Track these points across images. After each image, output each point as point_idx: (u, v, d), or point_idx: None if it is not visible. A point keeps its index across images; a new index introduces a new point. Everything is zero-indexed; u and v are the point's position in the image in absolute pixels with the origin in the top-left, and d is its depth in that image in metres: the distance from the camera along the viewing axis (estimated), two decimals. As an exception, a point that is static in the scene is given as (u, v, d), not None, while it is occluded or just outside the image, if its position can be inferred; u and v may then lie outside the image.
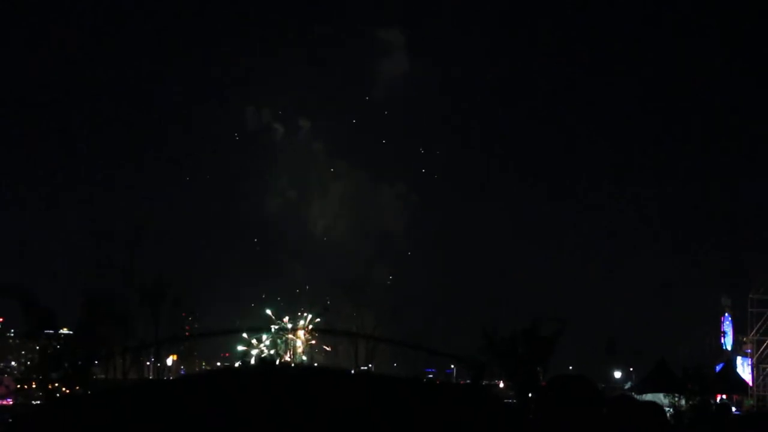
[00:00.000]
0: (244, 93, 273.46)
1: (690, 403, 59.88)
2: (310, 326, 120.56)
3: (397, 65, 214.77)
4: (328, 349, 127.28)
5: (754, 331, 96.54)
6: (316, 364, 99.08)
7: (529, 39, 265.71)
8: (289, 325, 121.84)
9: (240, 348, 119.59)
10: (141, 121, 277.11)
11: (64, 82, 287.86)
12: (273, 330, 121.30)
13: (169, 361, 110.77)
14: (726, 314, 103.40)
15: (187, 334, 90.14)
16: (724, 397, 71.77)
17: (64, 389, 56.89)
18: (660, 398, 60.84)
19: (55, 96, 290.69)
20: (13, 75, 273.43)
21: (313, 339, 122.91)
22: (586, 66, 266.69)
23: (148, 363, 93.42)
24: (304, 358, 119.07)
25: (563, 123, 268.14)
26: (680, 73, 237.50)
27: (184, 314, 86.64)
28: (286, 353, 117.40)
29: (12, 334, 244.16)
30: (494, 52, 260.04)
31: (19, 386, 76.09)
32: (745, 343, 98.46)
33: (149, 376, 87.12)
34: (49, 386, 60.32)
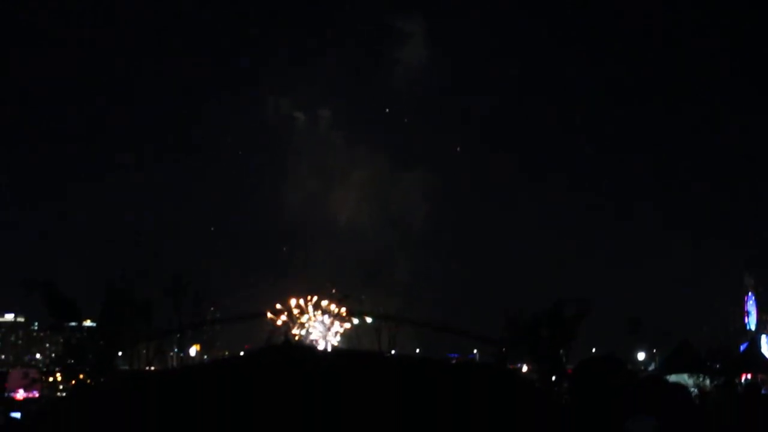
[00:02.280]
0: (264, 83, 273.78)
1: (715, 383, 59.65)
2: (333, 309, 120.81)
3: (416, 52, 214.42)
4: (346, 327, 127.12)
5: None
6: (339, 348, 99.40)
7: (551, 23, 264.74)
8: (311, 310, 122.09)
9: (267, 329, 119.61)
10: (159, 112, 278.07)
11: (88, 72, 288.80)
12: (295, 314, 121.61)
13: (193, 351, 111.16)
14: (750, 293, 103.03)
15: (209, 320, 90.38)
16: (748, 376, 71.48)
17: (88, 381, 57.09)
18: (684, 379, 60.68)
19: (78, 87, 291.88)
20: (44, 63, 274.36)
21: (334, 323, 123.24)
22: (609, 52, 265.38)
23: (171, 353, 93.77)
24: (328, 341, 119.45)
25: (585, 107, 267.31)
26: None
27: (205, 305, 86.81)
28: (308, 337, 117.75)
29: (36, 328, 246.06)
30: (515, 37, 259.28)
31: (44, 378, 76.45)
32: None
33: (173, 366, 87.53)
34: (74, 378, 60.57)
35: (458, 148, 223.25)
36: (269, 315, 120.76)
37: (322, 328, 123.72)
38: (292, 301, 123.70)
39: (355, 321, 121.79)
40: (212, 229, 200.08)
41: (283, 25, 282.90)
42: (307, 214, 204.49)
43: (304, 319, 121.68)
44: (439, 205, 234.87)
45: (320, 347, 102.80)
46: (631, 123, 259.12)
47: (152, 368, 67.80)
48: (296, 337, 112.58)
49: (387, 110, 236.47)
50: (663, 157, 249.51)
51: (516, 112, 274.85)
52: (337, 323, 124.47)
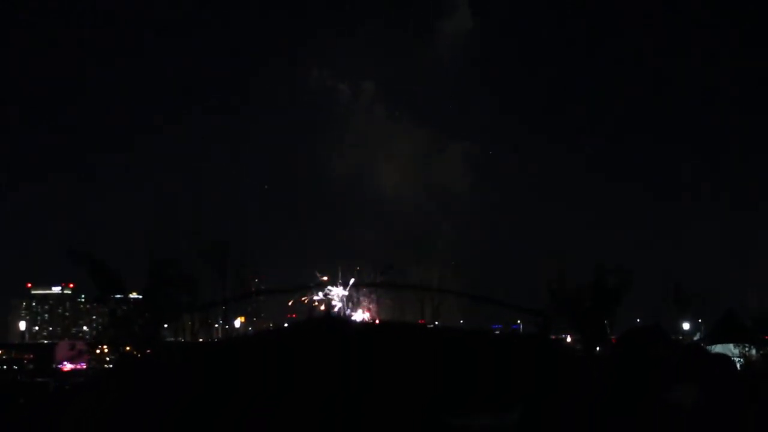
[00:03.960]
0: (309, 56, 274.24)
1: (761, 352, 59.17)
2: (378, 281, 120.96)
3: (460, 24, 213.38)
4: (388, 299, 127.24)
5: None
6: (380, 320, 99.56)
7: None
8: (353, 281, 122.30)
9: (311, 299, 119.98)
10: (204, 85, 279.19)
11: (127, 50, 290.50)
12: (338, 286, 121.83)
13: (237, 323, 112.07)
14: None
15: (252, 291, 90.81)
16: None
17: (134, 353, 57.72)
18: (730, 349, 60.22)
19: (119, 67, 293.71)
20: (80, 52, 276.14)
21: (377, 296, 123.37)
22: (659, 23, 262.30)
23: (216, 325, 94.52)
24: (370, 313, 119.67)
25: (627, 77, 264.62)
26: None
27: (250, 276, 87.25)
28: (350, 309, 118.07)
29: (82, 300, 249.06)
30: (562, 7, 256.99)
31: (91, 350, 77.21)
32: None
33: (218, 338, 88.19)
34: (120, 350, 61.24)
35: (502, 122, 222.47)
36: (318, 281, 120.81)
37: (364, 299, 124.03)
38: (335, 273, 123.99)
39: (398, 293, 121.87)
40: (266, 187, 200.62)
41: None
42: (353, 185, 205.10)
43: (346, 290, 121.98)
44: (482, 177, 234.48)
45: (362, 319, 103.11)
46: (673, 94, 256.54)
47: (198, 340, 68.40)
48: (337, 309, 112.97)
49: (426, 83, 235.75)
50: (708, 127, 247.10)
51: (559, 83, 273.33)
52: (379, 295, 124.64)
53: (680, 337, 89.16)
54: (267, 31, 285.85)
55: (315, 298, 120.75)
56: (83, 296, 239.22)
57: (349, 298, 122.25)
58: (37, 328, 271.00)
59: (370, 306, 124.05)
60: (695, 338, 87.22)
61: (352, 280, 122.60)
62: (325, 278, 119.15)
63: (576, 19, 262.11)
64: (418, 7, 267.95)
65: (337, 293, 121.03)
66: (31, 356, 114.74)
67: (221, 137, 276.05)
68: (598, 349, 59.95)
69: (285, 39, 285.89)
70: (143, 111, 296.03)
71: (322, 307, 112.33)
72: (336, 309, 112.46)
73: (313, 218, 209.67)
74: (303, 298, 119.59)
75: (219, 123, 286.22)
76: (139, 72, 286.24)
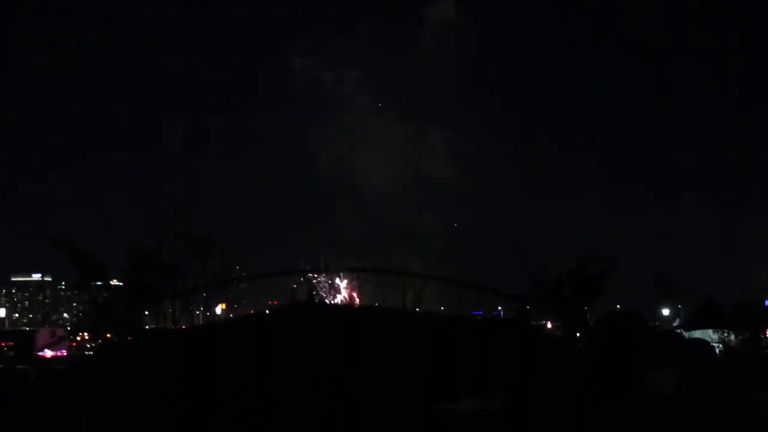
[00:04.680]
0: (293, 45, 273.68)
1: (740, 338, 59.49)
2: (357, 268, 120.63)
3: (445, 13, 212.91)
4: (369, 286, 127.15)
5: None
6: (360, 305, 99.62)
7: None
8: (336, 268, 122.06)
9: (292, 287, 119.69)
10: (187, 74, 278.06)
11: (112, 39, 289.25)
12: (320, 273, 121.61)
13: (218, 310, 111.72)
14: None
15: (234, 278, 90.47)
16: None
17: (115, 339, 57.60)
18: (709, 335, 60.52)
19: (107, 52, 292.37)
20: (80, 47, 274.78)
21: (357, 282, 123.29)
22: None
23: (197, 312, 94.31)
24: (352, 299, 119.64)
25: (610, 67, 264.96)
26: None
27: (231, 264, 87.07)
28: (333, 295, 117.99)
29: (63, 287, 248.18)
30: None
31: (71, 337, 77.24)
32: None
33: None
34: (101, 337, 61.14)
35: (485, 110, 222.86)
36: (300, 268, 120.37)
37: (346, 285, 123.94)
38: (317, 260, 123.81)
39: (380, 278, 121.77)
40: (243, 191, 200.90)
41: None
42: (337, 174, 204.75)
43: (328, 276, 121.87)
44: (466, 165, 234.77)
45: (343, 304, 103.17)
46: (657, 85, 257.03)
47: (178, 326, 68.32)
48: (319, 295, 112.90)
49: (411, 73, 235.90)
50: (690, 118, 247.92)
51: (545, 73, 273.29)
52: (361, 281, 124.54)
53: (656, 323, 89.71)
54: (249, 20, 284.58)
55: (295, 286, 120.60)
56: (63, 283, 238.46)
57: (331, 284, 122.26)
58: (17, 315, 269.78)
59: (352, 292, 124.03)
60: (674, 324, 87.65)
61: (334, 267, 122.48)
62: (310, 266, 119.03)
63: (562, 8, 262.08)
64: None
65: (320, 279, 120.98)
66: (12, 343, 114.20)
67: (205, 129, 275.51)
68: (578, 335, 60.24)
69: (268, 29, 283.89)
70: (125, 103, 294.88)
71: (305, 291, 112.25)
72: (318, 295, 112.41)
73: (298, 207, 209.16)
74: (294, 285, 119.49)
75: (204, 115, 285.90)
76: (122, 66, 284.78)
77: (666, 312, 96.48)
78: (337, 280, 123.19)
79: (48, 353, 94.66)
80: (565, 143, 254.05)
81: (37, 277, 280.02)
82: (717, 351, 47.07)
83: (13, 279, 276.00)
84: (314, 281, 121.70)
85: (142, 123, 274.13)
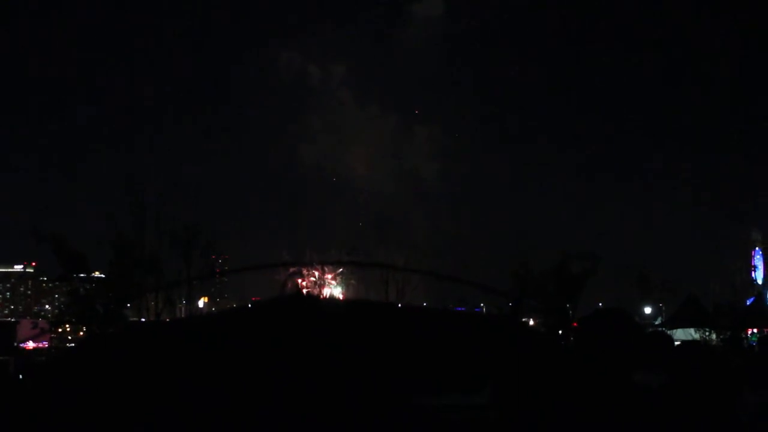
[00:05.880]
0: (279, 39, 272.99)
1: (721, 337, 59.78)
2: (341, 261, 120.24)
3: (431, 9, 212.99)
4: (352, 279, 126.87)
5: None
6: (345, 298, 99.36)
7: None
8: (319, 262, 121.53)
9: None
10: (175, 68, 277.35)
11: (109, 35, 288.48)
12: (305, 266, 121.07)
13: (201, 303, 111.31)
14: (757, 248, 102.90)
15: (218, 271, 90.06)
16: (755, 331, 71.53)
17: (97, 331, 57.32)
18: (691, 333, 60.81)
19: (95, 46, 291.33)
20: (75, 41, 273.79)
21: (340, 275, 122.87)
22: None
23: (180, 306, 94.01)
24: (336, 293, 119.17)
25: (597, 67, 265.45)
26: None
27: (214, 257, 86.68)
28: (317, 288, 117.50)
29: (45, 279, 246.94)
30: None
31: (53, 329, 76.71)
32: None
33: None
34: (83, 329, 60.88)
35: (470, 106, 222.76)
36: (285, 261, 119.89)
37: (329, 279, 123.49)
38: (302, 254, 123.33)
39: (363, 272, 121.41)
40: (226, 184, 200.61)
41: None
42: (321, 168, 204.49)
43: (312, 271, 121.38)
44: (450, 162, 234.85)
45: (328, 297, 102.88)
46: (635, 80, 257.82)
47: (160, 319, 68.05)
48: (305, 289, 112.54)
49: (396, 67, 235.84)
50: (670, 116, 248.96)
51: (529, 70, 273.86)
52: (344, 275, 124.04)
53: (649, 322, 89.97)
54: (235, 15, 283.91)
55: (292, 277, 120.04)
56: (45, 276, 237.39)
57: (316, 277, 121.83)
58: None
59: (336, 285, 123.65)
60: (656, 322, 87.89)
61: (318, 260, 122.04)
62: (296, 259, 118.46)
63: (547, 5, 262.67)
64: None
65: (306, 273, 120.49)
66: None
67: (191, 123, 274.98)
68: (560, 332, 60.39)
69: (254, 23, 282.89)
70: (112, 96, 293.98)
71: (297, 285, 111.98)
72: (304, 288, 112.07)
73: (281, 204, 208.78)
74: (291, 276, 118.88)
75: (186, 111, 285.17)
76: (110, 62, 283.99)
77: (648, 310, 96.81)
78: (322, 273, 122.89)
79: (30, 345, 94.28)
80: (552, 140, 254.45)
81: (19, 268, 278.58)
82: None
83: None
84: (300, 274, 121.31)
85: (128, 117, 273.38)
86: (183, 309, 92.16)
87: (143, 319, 67.91)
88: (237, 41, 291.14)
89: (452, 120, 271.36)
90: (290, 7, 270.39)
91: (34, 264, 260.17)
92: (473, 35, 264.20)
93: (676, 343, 52.25)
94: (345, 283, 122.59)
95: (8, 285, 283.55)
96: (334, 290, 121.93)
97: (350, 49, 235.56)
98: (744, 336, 60.90)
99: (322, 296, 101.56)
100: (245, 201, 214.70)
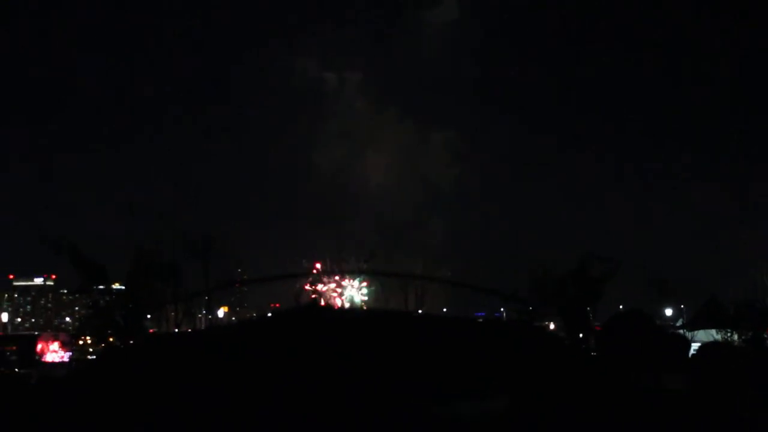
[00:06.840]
0: (295, 45, 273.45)
1: (742, 338, 59.32)
2: (361, 269, 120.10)
3: (447, 15, 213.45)
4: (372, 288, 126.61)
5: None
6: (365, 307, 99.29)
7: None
8: (337, 270, 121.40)
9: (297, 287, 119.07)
10: (189, 73, 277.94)
11: (116, 41, 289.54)
12: (322, 275, 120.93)
13: (221, 313, 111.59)
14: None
15: (237, 282, 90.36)
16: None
17: (117, 343, 57.46)
18: (712, 334, 60.38)
19: (109, 53, 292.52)
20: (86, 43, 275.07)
21: (361, 283, 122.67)
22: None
23: (200, 315, 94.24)
24: (355, 302, 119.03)
25: (614, 70, 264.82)
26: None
27: (233, 266, 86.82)
28: (334, 297, 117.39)
29: (65, 291, 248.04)
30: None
31: (74, 341, 76.91)
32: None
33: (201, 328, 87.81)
34: (103, 341, 61.00)
35: (488, 112, 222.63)
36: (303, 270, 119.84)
37: (349, 288, 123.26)
38: (319, 263, 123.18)
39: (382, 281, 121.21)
40: (243, 191, 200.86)
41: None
42: (339, 176, 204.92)
43: (331, 279, 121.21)
44: (468, 167, 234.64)
45: (347, 307, 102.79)
46: (661, 87, 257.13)
47: (180, 330, 68.19)
48: (322, 298, 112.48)
49: (412, 74, 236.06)
50: (693, 118, 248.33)
51: (546, 75, 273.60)
52: (363, 283, 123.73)
53: (658, 323, 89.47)
54: (253, 21, 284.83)
55: (304, 286, 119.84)
56: (65, 289, 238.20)
57: (335, 286, 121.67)
58: (19, 319, 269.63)
59: (354, 294, 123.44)
60: (677, 324, 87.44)
61: (337, 269, 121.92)
62: (313, 267, 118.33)
63: (560, 10, 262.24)
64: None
65: (324, 282, 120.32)
66: (14, 348, 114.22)
67: (207, 132, 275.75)
68: (581, 336, 60.12)
69: (272, 30, 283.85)
70: (129, 108, 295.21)
71: (311, 295, 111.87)
72: (322, 297, 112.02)
73: (298, 211, 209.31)
74: (304, 285, 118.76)
75: (205, 118, 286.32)
76: (122, 67, 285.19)
77: (669, 312, 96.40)
78: (340, 281, 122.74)
79: (50, 357, 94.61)
80: (568, 144, 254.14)
81: (39, 281, 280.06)
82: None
83: (15, 283, 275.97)
84: (317, 284, 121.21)
85: (142, 122, 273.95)
86: (203, 319, 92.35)
87: (162, 330, 68.16)
88: (252, 50, 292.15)
89: (471, 125, 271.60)
90: (305, 15, 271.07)
91: (53, 277, 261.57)
92: (490, 41, 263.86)
93: (697, 344, 51.98)
94: (365, 289, 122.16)
95: (29, 298, 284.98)
96: (354, 298, 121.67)
97: (367, 55, 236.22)
98: (766, 336, 60.38)
99: (340, 305, 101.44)
100: (259, 207, 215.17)
